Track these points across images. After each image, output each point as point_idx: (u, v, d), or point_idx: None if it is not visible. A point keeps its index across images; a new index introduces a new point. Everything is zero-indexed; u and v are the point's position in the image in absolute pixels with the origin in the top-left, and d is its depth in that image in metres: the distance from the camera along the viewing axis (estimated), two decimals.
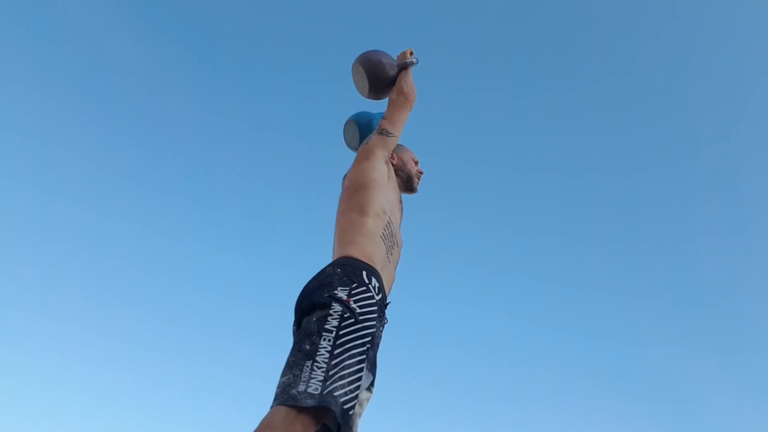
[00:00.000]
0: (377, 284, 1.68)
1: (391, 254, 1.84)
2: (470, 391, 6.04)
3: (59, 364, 5.67)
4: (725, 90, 6.85)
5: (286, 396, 1.43)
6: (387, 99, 2.17)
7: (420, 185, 2.22)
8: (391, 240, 1.85)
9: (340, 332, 1.52)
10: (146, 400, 5.67)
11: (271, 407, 1.45)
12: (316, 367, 1.46)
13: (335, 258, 1.75)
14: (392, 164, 2.09)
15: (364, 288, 1.62)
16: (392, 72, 2.15)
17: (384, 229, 1.83)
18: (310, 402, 1.41)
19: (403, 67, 2.16)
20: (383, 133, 2.03)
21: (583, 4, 7.11)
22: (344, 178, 2.02)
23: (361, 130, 2.20)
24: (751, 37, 6.70)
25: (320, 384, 1.44)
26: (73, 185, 6.43)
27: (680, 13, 6.84)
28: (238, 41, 7.00)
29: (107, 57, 6.59)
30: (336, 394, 1.45)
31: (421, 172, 2.21)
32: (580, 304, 6.64)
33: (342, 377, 1.48)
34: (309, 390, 1.43)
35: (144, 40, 6.76)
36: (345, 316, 1.54)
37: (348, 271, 1.64)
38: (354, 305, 1.57)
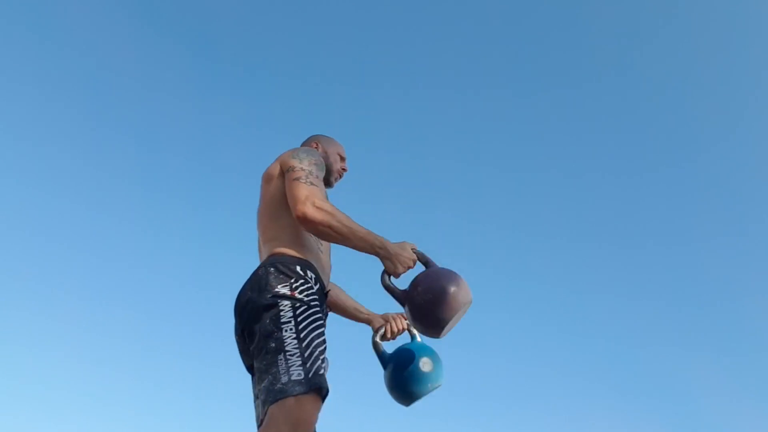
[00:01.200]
0: (313, 275, 1.68)
1: (321, 243, 1.82)
2: (470, 391, 6.04)
3: (59, 364, 5.68)
4: (726, 90, 6.85)
5: (274, 394, 1.44)
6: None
7: (340, 183, 2.06)
8: None
9: (298, 319, 1.55)
10: (146, 400, 5.67)
11: (265, 412, 1.46)
12: (290, 356, 1.48)
13: (264, 257, 1.74)
14: None
15: (303, 280, 1.63)
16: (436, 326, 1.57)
17: None
18: (299, 389, 1.43)
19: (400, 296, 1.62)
20: (304, 178, 1.71)
21: (584, 4, 7.11)
22: (268, 174, 1.87)
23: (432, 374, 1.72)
24: (752, 37, 6.70)
25: (302, 368, 1.46)
26: (73, 185, 6.44)
27: (681, 13, 6.84)
28: (237, 41, 7.00)
29: (107, 57, 6.59)
30: (321, 372, 1.49)
31: (344, 170, 2.06)
32: (580, 304, 6.64)
33: (319, 354, 1.51)
34: (293, 378, 1.45)
35: (144, 40, 6.77)
36: (296, 305, 1.57)
37: (281, 269, 1.64)
38: (300, 296, 1.59)
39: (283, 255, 1.69)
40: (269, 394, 1.46)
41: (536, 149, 7.18)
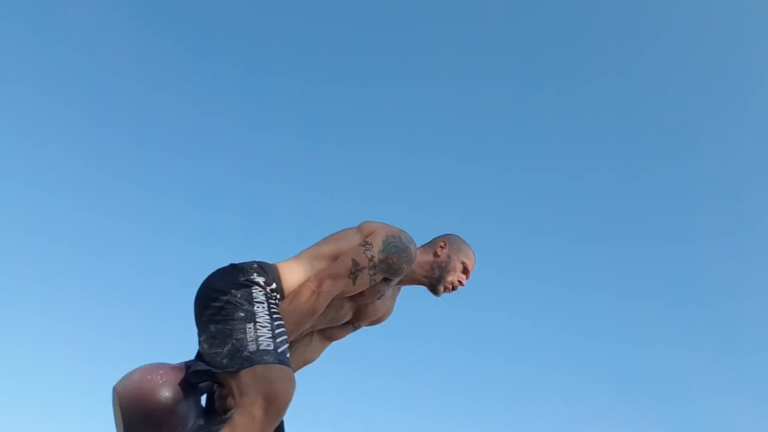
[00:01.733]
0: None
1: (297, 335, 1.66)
2: (470, 391, 6.04)
3: (59, 364, 5.68)
4: (727, 90, 6.85)
5: (240, 361, 1.39)
6: None
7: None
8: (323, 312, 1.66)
9: (270, 304, 1.52)
10: None
11: (223, 373, 1.40)
12: (260, 326, 1.45)
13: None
14: (437, 253, 1.78)
15: (278, 294, 1.57)
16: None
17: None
18: (268, 359, 1.40)
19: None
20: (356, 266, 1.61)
21: (584, 4, 7.12)
22: (363, 225, 1.73)
23: None
24: (752, 37, 6.70)
25: (271, 341, 1.43)
26: (73, 185, 6.44)
27: (682, 13, 6.85)
28: (238, 41, 7.01)
29: (107, 57, 6.60)
30: (288, 356, 1.45)
31: (460, 283, 1.81)
32: (580, 304, 6.65)
33: (285, 342, 1.46)
34: (261, 347, 1.41)
35: (144, 40, 6.77)
36: (269, 294, 1.54)
37: (261, 273, 1.57)
38: (272, 293, 1.55)
39: (274, 270, 1.62)
40: (234, 360, 1.40)
41: (536, 149, 7.19)
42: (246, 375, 1.38)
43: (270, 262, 1.65)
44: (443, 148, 6.86)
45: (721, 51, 6.82)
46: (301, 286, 1.59)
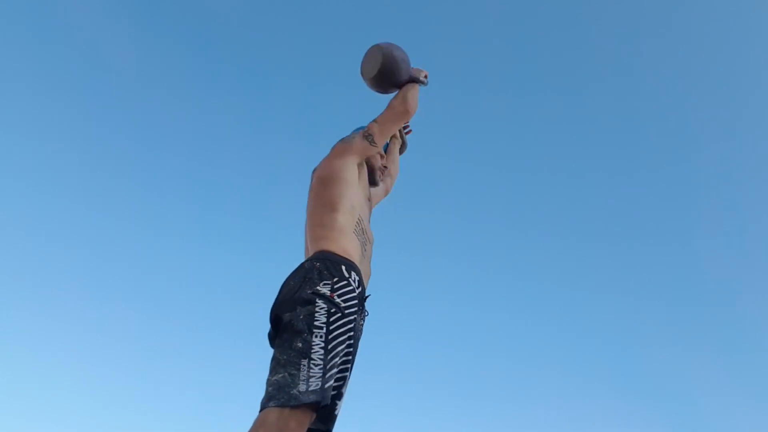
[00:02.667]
0: (357, 278, 1.70)
1: (365, 250, 1.85)
2: (470, 391, 6.04)
3: (59, 364, 5.67)
4: (726, 90, 6.85)
5: (285, 396, 1.42)
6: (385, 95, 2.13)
7: (388, 181, 2.21)
8: (363, 236, 1.85)
9: (331, 327, 1.54)
10: (146, 400, 5.67)
11: (265, 407, 1.44)
12: (313, 364, 1.47)
13: (311, 253, 1.75)
14: None
15: (345, 282, 1.64)
16: (403, 76, 2.07)
17: (356, 225, 1.83)
18: (312, 398, 1.42)
19: (414, 80, 2.09)
20: (368, 139, 1.97)
21: (585, 4, 7.12)
22: (314, 171, 1.96)
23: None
24: (753, 37, 6.70)
25: (320, 381, 1.45)
26: (73, 185, 6.43)
27: (681, 13, 6.85)
28: (238, 41, 7.00)
29: (107, 57, 6.59)
30: (332, 389, 1.48)
31: (385, 167, 2.16)
32: (580, 304, 6.64)
33: (334, 368, 1.50)
34: (310, 389, 1.44)
35: (144, 40, 6.76)
36: (332, 311, 1.56)
37: (327, 265, 1.65)
38: (338, 299, 1.59)
39: (331, 253, 1.70)
40: (280, 392, 1.43)
41: (536, 149, 7.18)
42: (274, 411, 1.41)
43: (317, 248, 1.73)
44: (443, 148, 6.85)
45: (722, 51, 6.83)
46: (412, 107, 2.05)
